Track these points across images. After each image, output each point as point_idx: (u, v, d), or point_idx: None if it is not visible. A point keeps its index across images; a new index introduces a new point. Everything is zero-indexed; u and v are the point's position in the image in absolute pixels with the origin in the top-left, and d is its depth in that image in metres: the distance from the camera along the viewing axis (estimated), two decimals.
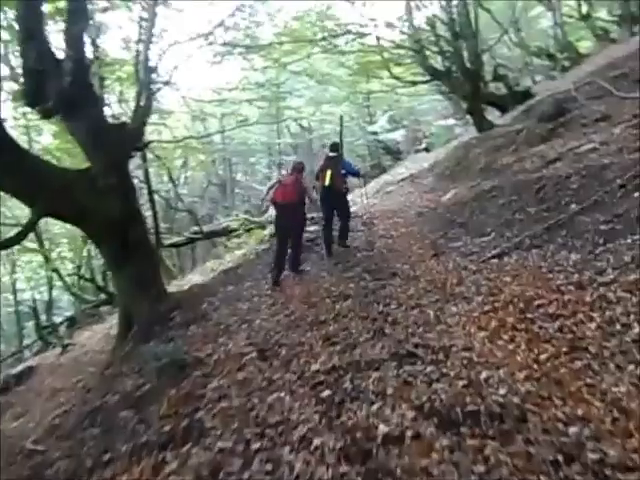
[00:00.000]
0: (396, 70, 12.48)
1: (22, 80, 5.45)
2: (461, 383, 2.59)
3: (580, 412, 2.11)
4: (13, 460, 3.96)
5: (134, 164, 10.15)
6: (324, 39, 10.78)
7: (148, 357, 4.42)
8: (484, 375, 2.62)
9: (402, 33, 12.38)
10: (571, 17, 16.99)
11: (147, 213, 9.44)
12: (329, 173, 6.17)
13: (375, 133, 19.56)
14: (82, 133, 6.02)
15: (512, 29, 16.17)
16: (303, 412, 2.71)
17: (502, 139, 8.73)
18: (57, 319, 13.48)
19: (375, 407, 2.55)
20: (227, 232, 12.29)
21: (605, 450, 1.85)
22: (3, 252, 11.98)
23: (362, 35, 11.84)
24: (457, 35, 10.81)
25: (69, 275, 13.79)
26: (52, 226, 12.94)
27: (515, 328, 3.11)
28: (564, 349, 2.69)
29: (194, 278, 9.75)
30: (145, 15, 7.28)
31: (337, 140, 7.72)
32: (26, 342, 14.28)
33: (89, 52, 6.35)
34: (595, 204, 4.33)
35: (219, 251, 13.45)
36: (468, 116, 13.24)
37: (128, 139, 6.46)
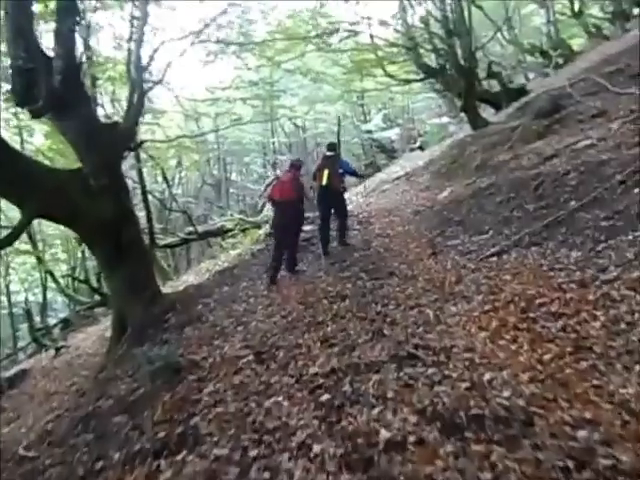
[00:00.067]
0: (390, 68, 12.42)
1: (11, 79, 5.32)
2: (464, 385, 2.52)
3: (588, 415, 2.05)
4: (4, 466, 3.86)
5: (128, 164, 10.04)
6: (318, 36, 10.68)
7: (142, 360, 4.33)
8: (487, 377, 2.56)
9: (396, 31, 12.33)
10: (563, 14, 17.01)
11: (141, 213, 9.31)
12: (326, 172, 6.12)
13: (369, 132, 19.48)
14: (73, 133, 5.91)
15: (505, 27, 16.15)
16: (302, 417, 2.63)
17: (497, 136, 8.68)
18: (51, 321, 13.38)
19: (376, 411, 2.48)
20: (222, 232, 12.19)
21: (617, 456, 1.78)
22: None
23: (356, 33, 11.76)
24: (451, 32, 10.77)
25: (63, 277, 13.69)
26: (46, 227, 12.81)
27: (517, 328, 3.05)
28: (568, 349, 2.63)
29: (189, 279, 9.65)
30: (137, 14, 7.17)
31: (333, 139, 7.70)
32: (20, 344, 14.15)
33: (81, 51, 6.22)
34: (595, 200, 4.28)
35: (214, 251, 13.35)
36: (462, 114, 13.20)
37: (120, 139, 6.35)
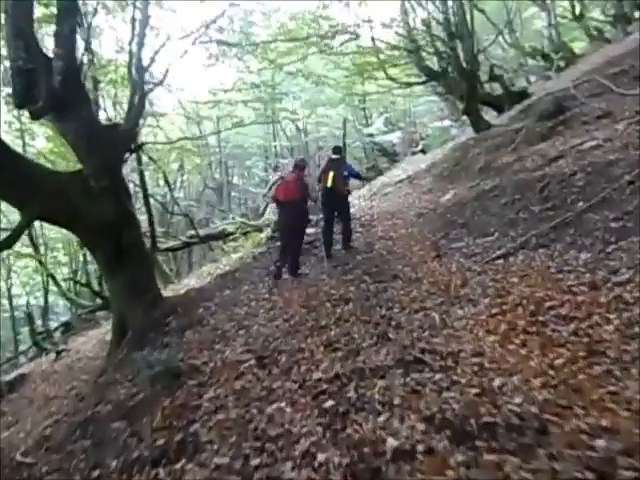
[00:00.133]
0: (392, 71, 12.39)
1: (11, 80, 5.28)
2: (473, 391, 2.43)
3: (605, 423, 1.96)
4: (1, 473, 3.78)
5: (129, 168, 10.01)
6: (321, 37, 10.63)
7: (141, 365, 4.25)
8: (497, 382, 2.47)
9: (398, 35, 12.30)
10: (564, 18, 16.99)
11: (142, 217, 9.26)
12: (331, 175, 6.10)
13: (371, 135, 19.46)
14: (74, 134, 5.86)
15: (506, 30, 16.13)
16: (305, 424, 2.54)
17: (501, 138, 8.62)
18: (53, 324, 13.34)
19: (382, 418, 2.39)
20: (224, 236, 12.14)
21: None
22: None
23: (357, 36, 11.73)
24: (453, 35, 10.73)
25: (65, 280, 13.64)
26: (48, 231, 12.79)
27: (526, 332, 2.97)
28: (581, 354, 2.54)
29: (190, 282, 9.59)
30: (138, 15, 7.14)
31: (335, 143, 7.68)
32: (22, 348, 14.11)
33: (81, 52, 6.18)
34: (603, 201, 4.20)
35: (216, 255, 13.29)
36: (464, 117, 13.16)
37: (121, 140, 6.30)
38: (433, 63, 11.94)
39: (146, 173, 11.59)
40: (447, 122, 17.90)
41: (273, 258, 6.93)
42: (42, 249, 11.77)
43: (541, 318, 3.06)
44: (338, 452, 2.21)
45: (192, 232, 12.24)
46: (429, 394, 2.52)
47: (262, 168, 22.82)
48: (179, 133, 15.89)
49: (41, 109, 5.18)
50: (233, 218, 13.44)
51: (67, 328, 13.39)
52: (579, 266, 3.57)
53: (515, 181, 6.03)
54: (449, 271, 4.57)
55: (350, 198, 6.89)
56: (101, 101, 8.69)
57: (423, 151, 16.06)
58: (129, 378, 4.50)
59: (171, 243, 12.36)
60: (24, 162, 5.53)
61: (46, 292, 12.88)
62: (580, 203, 4.47)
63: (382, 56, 12.25)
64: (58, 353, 9.34)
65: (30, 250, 10.86)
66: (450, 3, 10.83)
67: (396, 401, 2.52)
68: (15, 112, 9.15)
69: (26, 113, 6.10)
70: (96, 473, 2.87)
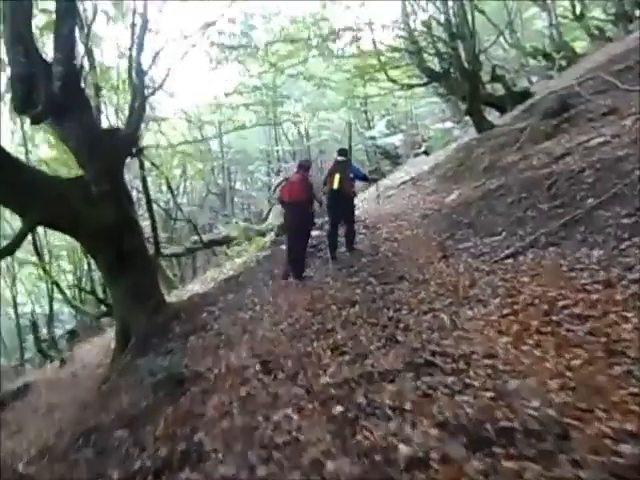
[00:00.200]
0: (393, 73, 12.34)
1: (11, 85, 5.26)
2: (488, 395, 2.33)
3: (630, 427, 1.86)
4: None
5: (132, 174, 9.99)
6: (323, 39, 10.61)
7: (144, 372, 4.17)
8: (512, 385, 2.37)
9: (399, 37, 12.26)
10: (565, 17, 16.92)
11: (145, 223, 9.22)
12: (337, 177, 6.05)
13: (373, 138, 19.41)
14: (74, 139, 5.85)
15: (507, 30, 16.06)
16: (313, 431, 2.44)
17: (505, 137, 8.53)
18: (58, 332, 13.32)
19: (393, 424, 2.29)
20: (227, 241, 12.09)
21: None
22: (3, 265, 11.88)
23: (358, 38, 11.72)
24: (454, 35, 10.67)
25: (69, 288, 13.62)
26: (52, 238, 12.79)
27: (540, 332, 2.86)
28: (599, 354, 2.44)
29: (194, 288, 9.52)
30: (137, 20, 7.13)
31: (337, 146, 7.66)
32: (27, 356, 14.12)
33: (81, 56, 6.16)
34: (614, 197, 4.09)
35: (220, 260, 13.23)
36: (467, 118, 13.08)
37: (122, 145, 6.27)
38: (434, 64, 11.89)
39: (149, 179, 11.56)
40: (449, 123, 17.83)
41: (277, 262, 6.87)
42: (46, 257, 11.76)
43: (555, 318, 2.96)
44: (348, 460, 2.11)
45: (196, 238, 12.20)
46: (441, 398, 2.42)
47: (265, 173, 22.80)
48: (181, 138, 15.88)
49: (41, 114, 5.15)
50: (236, 223, 13.40)
51: (72, 335, 13.38)
52: (592, 264, 3.46)
53: (521, 180, 5.93)
54: (457, 272, 4.47)
55: (355, 200, 6.82)
56: (103, 107, 8.69)
57: (426, 153, 15.99)
58: (132, 385, 4.43)
59: (174, 249, 12.32)
60: (25, 168, 5.51)
61: (51, 300, 12.88)
62: (590, 200, 4.36)
63: (383, 58, 12.21)
64: (62, 361, 9.31)
65: (34, 258, 10.85)
66: (450, 4, 10.78)
67: (407, 406, 2.42)
68: (18, 119, 9.16)
69: (28, 120, 6.08)
70: None
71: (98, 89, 8.04)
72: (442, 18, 11.02)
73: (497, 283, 3.85)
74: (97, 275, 12.01)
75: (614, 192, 4.12)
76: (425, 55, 11.70)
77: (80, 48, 6.49)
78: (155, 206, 11.32)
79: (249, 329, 4.61)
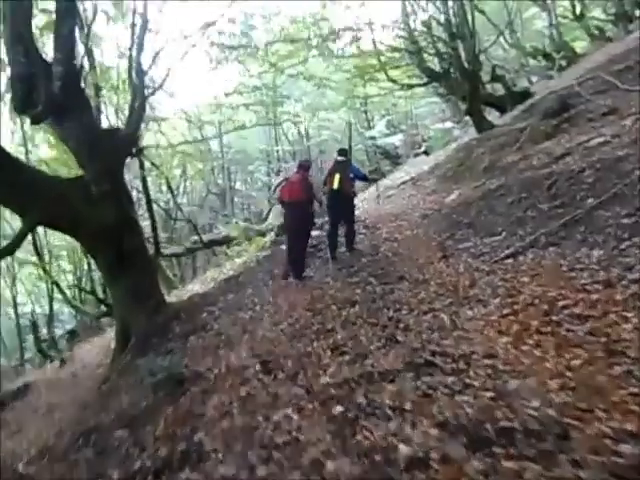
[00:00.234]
0: (393, 73, 12.34)
1: (11, 85, 5.26)
2: (488, 395, 2.33)
3: (630, 427, 1.86)
4: None
5: (133, 173, 9.99)
6: (323, 39, 10.60)
7: (144, 372, 4.17)
8: (512, 385, 2.37)
9: (399, 37, 12.26)
10: (565, 17, 16.92)
11: (145, 223, 9.22)
12: (338, 177, 6.05)
13: (373, 138, 19.40)
14: (74, 139, 5.85)
15: (507, 30, 16.06)
16: (313, 431, 2.45)
17: (505, 137, 8.53)
18: (58, 332, 13.32)
19: (393, 424, 2.29)
20: (227, 241, 12.09)
21: None
22: (3, 265, 11.89)
23: (358, 38, 11.72)
24: (454, 35, 10.67)
25: (69, 288, 13.62)
26: (52, 238, 12.79)
27: (540, 332, 2.86)
28: (599, 354, 2.44)
29: (194, 288, 9.52)
30: (137, 20, 7.13)
31: (338, 146, 7.65)
32: (27, 356, 14.12)
33: (81, 56, 6.16)
34: (614, 197, 4.09)
35: (220, 260, 13.23)
36: (466, 118, 13.07)
37: (122, 145, 6.27)
38: (434, 64, 11.88)
39: (149, 179, 11.57)
40: (449, 123, 17.83)
41: (277, 262, 6.87)
42: (46, 257, 11.76)
43: (555, 318, 2.96)
44: (348, 460, 2.11)
45: (196, 238, 12.20)
46: (441, 398, 2.42)
47: (265, 173, 22.81)
48: (181, 138, 15.89)
49: (41, 114, 5.15)
50: (236, 223, 13.40)
51: (72, 335, 13.38)
52: (592, 264, 3.46)
53: (521, 180, 5.93)
54: (457, 272, 4.47)
55: (355, 200, 6.82)
56: (103, 108, 8.69)
57: (426, 153, 15.99)
58: (132, 385, 4.43)
59: (174, 249, 12.32)
60: (25, 168, 5.52)
61: (51, 300, 12.88)
62: (590, 200, 4.36)
63: (383, 58, 12.21)
64: (62, 361, 9.31)
65: (34, 258, 10.85)
66: (450, 4, 10.78)
67: (407, 406, 2.43)
68: (18, 119, 9.16)
69: (28, 120, 6.08)
70: None
71: (98, 89, 8.04)
72: (442, 18, 11.02)
73: (497, 283, 3.85)
74: (97, 275, 12.02)
75: (614, 192, 4.12)
76: (425, 55, 11.70)
77: (80, 48, 6.50)
78: (155, 206, 11.33)
79: (249, 329, 4.61)
